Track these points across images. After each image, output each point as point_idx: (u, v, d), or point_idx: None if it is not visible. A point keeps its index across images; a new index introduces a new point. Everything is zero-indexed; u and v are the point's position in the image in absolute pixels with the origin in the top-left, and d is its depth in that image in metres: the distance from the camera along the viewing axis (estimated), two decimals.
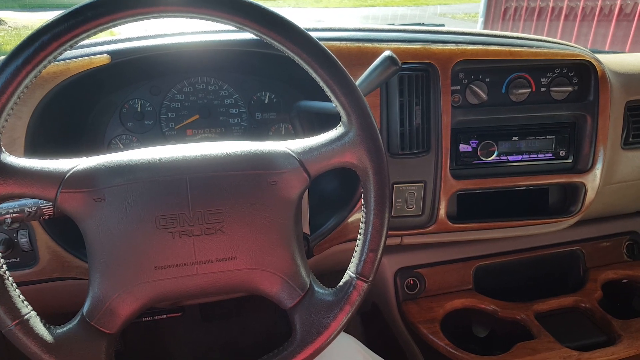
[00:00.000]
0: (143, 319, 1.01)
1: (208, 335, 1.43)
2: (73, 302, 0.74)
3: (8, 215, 0.54)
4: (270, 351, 0.57)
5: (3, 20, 9.44)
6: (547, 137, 0.94)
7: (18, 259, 0.75)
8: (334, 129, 0.55)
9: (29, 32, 0.45)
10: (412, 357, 1.03)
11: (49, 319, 0.51)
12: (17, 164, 0.47)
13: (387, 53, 0.66)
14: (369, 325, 1.29)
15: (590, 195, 0.96)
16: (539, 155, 0.94)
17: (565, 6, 5.04)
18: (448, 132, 0.87)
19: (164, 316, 1.07)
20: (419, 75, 0.83)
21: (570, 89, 0.92)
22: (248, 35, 0.51)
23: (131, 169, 0.50)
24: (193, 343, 1.41)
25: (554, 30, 5.26)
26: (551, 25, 5.30)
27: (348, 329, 0.57)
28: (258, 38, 0.51)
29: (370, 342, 1.21)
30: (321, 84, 0.53)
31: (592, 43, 4.78)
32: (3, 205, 0.53)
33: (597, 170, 0.95)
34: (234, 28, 0.51)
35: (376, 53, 0.80)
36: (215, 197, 0.51)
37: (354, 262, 0.56)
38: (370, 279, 0.55)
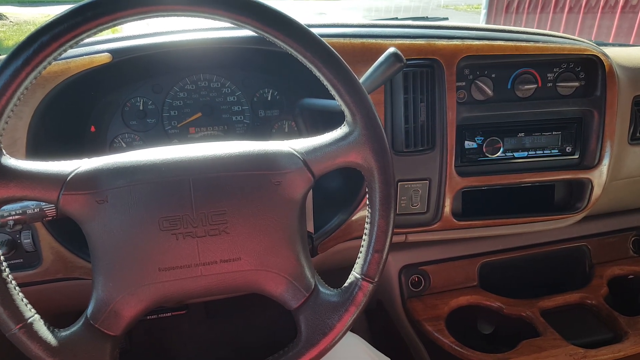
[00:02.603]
0: (148, 317, 1.02)
1: (213, 331, 1.44)
2: (78, 302, 0.74)
3: (10, 218, 0.53)
4: (274, 346, 0.57)
5: (4, 15, 9.43)
6: (554, 133, 0.93)
7: (22, 260, 0.75)
8: (338, 129, 0.55)
9: (30, 27, 0.45)
10: (417, 355, 1.03)
11: (54, 319, 0.51)
12: (18, 167, 0.47)
13: (391, 50, 0.65)
14: (373, 323, 1.29)
15: (597, 191, 0.96)
16: (545, 152, 0.93)
17: None
18: (453, 129, 0.86)
19: (169, 314, 1.08)
20: (423, 71, 0.82)
21: (577, 84, 0.90)
22: (250, 32, 0.50)
23: (134, 170, 0.49)
24: (198, 340, 1.41)
25: (557, 22, 5.21)
26: (554, 17, 5.25)
27: (353, 326, 0.57)
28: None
29: (375, 339, 1.22)
30: (325, 82, 0.52)
31: (596, 35, 4.74)
32: (5, 207, 0.53)
33: (604, 166, 0.94)
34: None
35: (380, 49, 0.79)
36: (219, 198, 0.50)
37: (359, 262, 0.55)
38: (376, 279, 0.54)
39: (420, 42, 0.83)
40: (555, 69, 0.90)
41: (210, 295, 0.54)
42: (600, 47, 0.93)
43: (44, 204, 0.54)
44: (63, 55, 0.68)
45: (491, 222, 0.94)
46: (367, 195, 0.55)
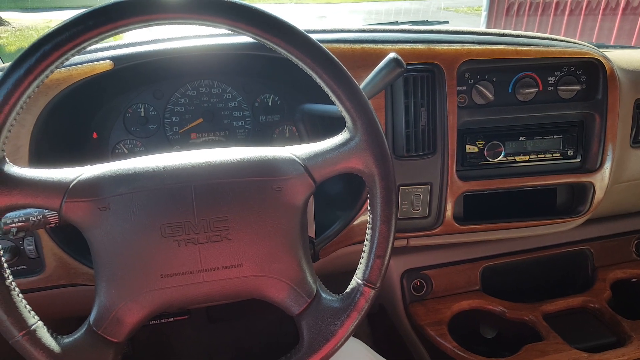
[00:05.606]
0: (150, 322, 1.02)
1: (215, 336, 1.43)
2: (80, 308, 0.74)
3: (13, 225, 0.54)
4: (276, 351, 0.57)
5: (6, 21, 9.47)
6: (555, 136, 0.92)
7: (25, 267, 0.75)
8: (339, 135, 0.55)
9: (32, 33, 0.45)
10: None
11: (57, 324, 0.51)
12: (21, 175, 0.47)
13: (391, 55, 0.65)
14: (375, 327, 1.29)
15: (599, 194, 0.95)
16: (547, 155, 0.93)
17: (570, 0, 4.99)
18: (454, 133, 0.86)
19: (171, 319, 1.08)
20: (424, 76, 0.82)
21: (578, 87, 0.90)
22: (250, 38, 0.50)
23: (136, 177, 0.50)
24: (200, 344, 1.41)
25: (558, 24, 5.21)
26: (555, 19, 5.25)
27: (355, 331, 0.57)
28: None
29: (377, 344, 1.21)
30: (326, 89, 0.52)
31: (597, 37, 4.74)
32: (8, 214, 0.53)
33: (606, 170, 0.93)
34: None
35: (380, 54, 0.79)
36: (221, 204, 0.50)
37: (360, 268, 0.55)
38: (378, 285, 0.54)
39: (421, 47, 0.84)
40: (556, 73, 0.90)
41: (212, 302, 0.54)
42: (602, 50, 0.93)
43: (46, 211, 0.54)
44: (65, 63, 0.68)
45: (493, 226, 0.94)
46: (368, 200, 0.55)
